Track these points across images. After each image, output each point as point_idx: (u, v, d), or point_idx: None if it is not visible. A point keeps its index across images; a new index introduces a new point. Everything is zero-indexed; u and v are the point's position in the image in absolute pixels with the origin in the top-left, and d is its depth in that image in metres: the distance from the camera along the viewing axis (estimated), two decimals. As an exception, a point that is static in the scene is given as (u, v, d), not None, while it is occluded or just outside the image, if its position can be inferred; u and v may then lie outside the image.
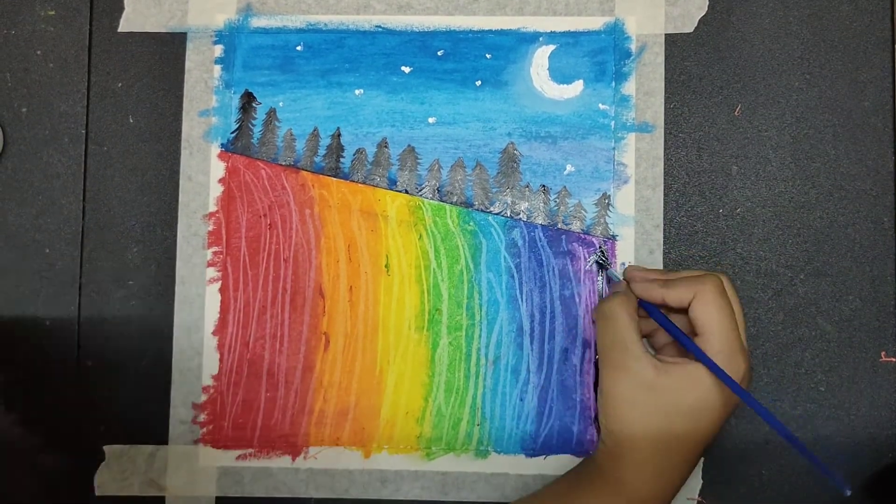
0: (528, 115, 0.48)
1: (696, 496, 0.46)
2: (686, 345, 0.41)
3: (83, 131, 0.49)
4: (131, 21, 0.50)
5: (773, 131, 0.48)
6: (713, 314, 0.40)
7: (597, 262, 0.47)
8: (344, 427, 0.47)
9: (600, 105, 0.48)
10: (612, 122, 0.48)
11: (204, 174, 0.49)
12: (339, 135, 0.49)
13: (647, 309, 0.43)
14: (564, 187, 0.48)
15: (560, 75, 0.49)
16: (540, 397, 0.47)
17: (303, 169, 0.49)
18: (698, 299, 0.41)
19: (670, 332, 0.42)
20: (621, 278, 0.46)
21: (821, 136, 0.48)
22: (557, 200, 0.48)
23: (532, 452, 0.47)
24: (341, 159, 0.49)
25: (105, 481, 0.47)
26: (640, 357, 0.40)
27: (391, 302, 0.48)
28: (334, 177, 0.49)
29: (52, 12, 0.50)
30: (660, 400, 0.40)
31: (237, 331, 0.48)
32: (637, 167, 0.48)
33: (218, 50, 0.49)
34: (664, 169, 0.48)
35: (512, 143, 0.48)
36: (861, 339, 0.47)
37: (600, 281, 0.47)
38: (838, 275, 0.47)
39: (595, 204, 0.48)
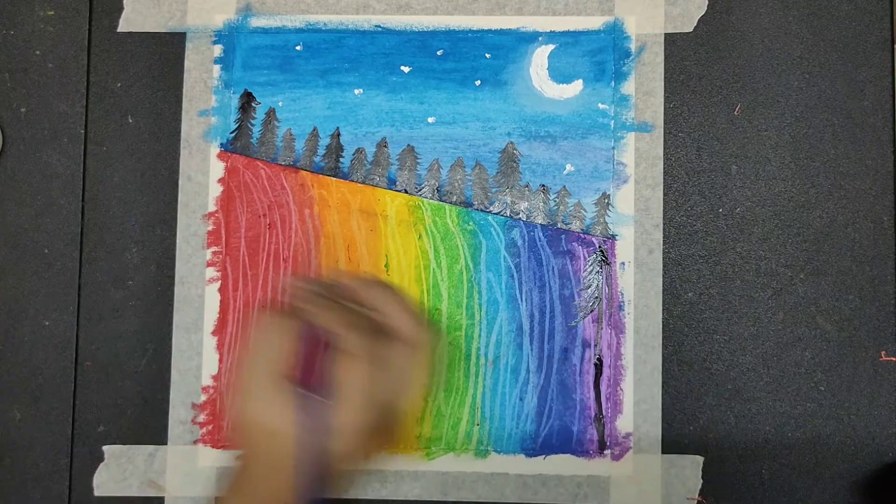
0: (527, 115, 0.48)
1: (696, 496, 0.46)
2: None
3: (82, 131, 0.49)
4: (130, 21, 0.50)
5: (772, 131, 0.48)
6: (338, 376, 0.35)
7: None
8: (343, 427, 0.47)
9: (600, 105, 0.48)
10: (612, 122, 0.48)
11: (203, 174, 0.49)
12: (339, 134, 0.49)
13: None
14: (564, 187, 0.48)
15: (559, 75, 0.49)
16: (540, 397, 0.47)
17: (302, 169, 0.49)
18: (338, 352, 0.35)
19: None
20: None
21: (820, 135, 0.48)
22: (557, 200, 0.48)
23: (532, 452, 0.47)
24: (341, 159, 0.49)
25: (105, 481, 0.47)
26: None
27: (391, 302, 0.48)
28: (334, 177, 0.49)
29: (52, 12, 0.50)
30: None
31: (237, 331, 0.48)
32: (637, 167, 0.48)
33: (217, 50, 0.49)
34: (664, 168, 0.48)
35: (511, 142, 0.48)
36: (861, 339, 0.47)
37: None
38: (838, 274, 0.47)
39: (595, 203, 0.48)
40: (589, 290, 0.48)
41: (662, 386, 0.47)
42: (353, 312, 0.36)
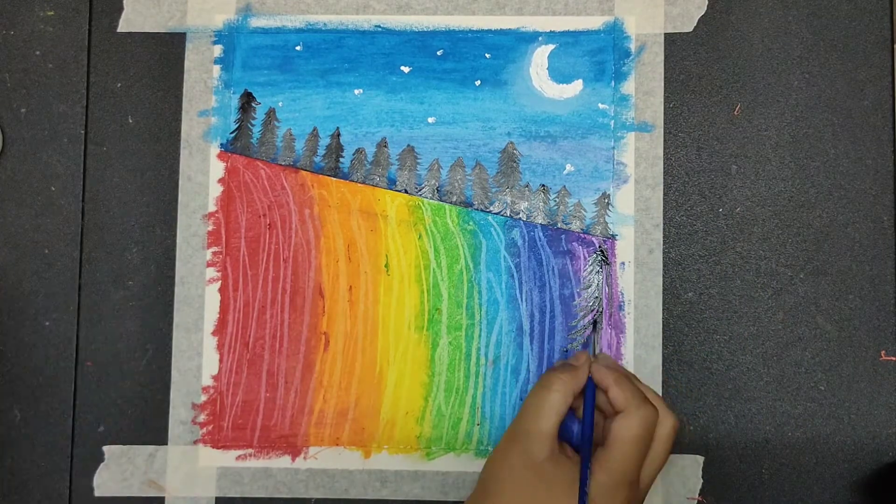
0: (527, 115, 0.48)
1: (697, 496, 0.46)
2: (584, 439, 0.41)
3: (82, 131, 0.49)
4: (130, 21, 0.50)
5: (772, 131, 0.48)
6: (621, 437, 0.39)
7: (594, 320, 0.47)
8: (344, 427, 0.47)
9: (600, 104, 0.48)
10: (612, 122, 0.48)
11: (203, 174, 0.49)
12: (339, 135, 0.49)
13: (588, 388, 0.42)
14: (564, 187, 0.48)
15: (559, 75, 0.49)
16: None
17: (302, 169, 0.49)
18: (623, 415, 0.40)
19: (584, 419, 0.42)
20: (595, 350, 0.46)
21: (820, 135, 0.48)
22: (557, 200, 0.48)
23: (532, 452, 0.47)
24: (341, 159, 0.49)
25: (105, 481, 0.47)
26: (543, 434, 0.40)
27: (391, 302, 0.48)
28: (334, 177, 0.49)
29: (52, 13, 0.50)
30: (538, 484, 0.39)
31: (237, 331, 0.48)
32: (637, 166, 0.48)
33: (217, 50, 0.49)
34: (664, 168, 0.48)
35: (511, 142, 0.48)
36: (861, 339, 0.47)
37: (592, 338, 0.47)
38: (838, 274, 0.47)
39: (595, 203, 0.48)
40: (589, 290, 0.48)
41: (662, 386, 0.47)
42: (633, 384, 0.42)
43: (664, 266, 0.47)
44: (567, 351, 0.47)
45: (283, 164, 0.49)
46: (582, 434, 0.41)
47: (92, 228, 0.49)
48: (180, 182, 0.49)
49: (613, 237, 0.48)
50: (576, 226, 0.48)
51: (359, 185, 0.48)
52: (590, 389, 0.42)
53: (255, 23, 0.49)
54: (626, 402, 0.40)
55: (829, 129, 0.48)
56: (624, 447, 0.39)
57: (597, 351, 0.46)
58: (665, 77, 0.48)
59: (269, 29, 0.49)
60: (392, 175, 0.48)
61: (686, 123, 0.48)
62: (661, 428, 0.41)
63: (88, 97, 0.49)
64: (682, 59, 0.49)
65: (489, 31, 0.49)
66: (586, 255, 0.48)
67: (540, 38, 0.49)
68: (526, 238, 0.48)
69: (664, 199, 0.48)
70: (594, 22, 0.49)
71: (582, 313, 0.47)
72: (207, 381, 0.48)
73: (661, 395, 0.47)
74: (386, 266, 0.48)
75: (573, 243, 0.48)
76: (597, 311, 0.47)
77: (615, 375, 0.42)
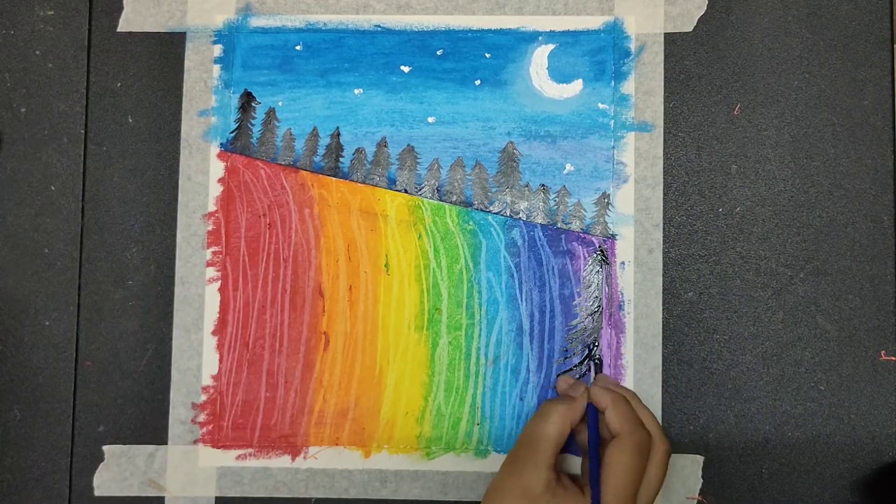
0: (527, 115, 0.48)
1: (696, 495, 0.46)
2: (591, 468, 0.41)
3: (82, 131, 0.49)
4: (130, 21, 0.50)
5: (772, 130, 0.48)
6: (614, 464, 0.40)
7: (592, 360, 0.47)
8: (344, 427, 0.47)
9: (600, 104, 0.48)
10: (612, 122, 0.48)
11: (203, 174, 0.49)
12: (339, 134, 0.49)
13: (589, 415, 0.42)
14: (564, 186, 0.48)
15: (559, 74, 0.49)
16: (540, 397, 0.47)
17: (302, 168, 0.49)
18: (616, 440, 0.40)
19: (589, 444, 0.42)
20: (591, 381, 0.46)
21: (820, 135, 0.48)
22: (557, 200, 0.48)
23: (532, 452, 0.47)
24: (340, 159, 0.49)
25: (105, 481, 0.47)
26: (540, 466, 0.40)
27: (391, 301, 0.48)
28: (333, 176, 0.49)
29: (52, 12, 0.50)
30: None
31: (237, 331, 0.48)
32: (636, 166, 0.48)
33: (217, 50, 0.49)
34: (663, 168, 0.48)
35: (511, 142, 0.48)
36: (861, 338, 0.47)
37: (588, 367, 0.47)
38: (838, 274, 0.47)
39: (594, 203, 0.48)
40: (589, 290, 0.48)
41: (662, 386, 0.47)
42: (628, 407, 0.42)
43: (664, 266, 0.47)
44: (567, 350, 0.47)
45: (283, 163, 0.49)
46: (590, 469, 0.41)
47: (92, 228, 0.49)
48: (180, 182, 0.49)
49: (613, 237, 0.48)
50: (576, 226, 0.48)
51: (359, 184, 0.48)
52: (591, 417, 0.42)
53: (255, 22, 0.49)
54: (619, 426, 0.41)
55: (829, 129, 0.48)
56: (617, 474, 0.39)
57: (593, 378, 0.47)
58: (665, 77, 0.48)
59: (269, 29, 0.49)
60: (392, 175, 0.48)
61: (686, 123, 0.48)
62: (655, 453, 0.41)
63: (88, 97, 0.49)
64: (682, 58, 0.49)
65: (489, 30, 0.49)
66: (586, 255, 0.48)
67: (540, 38, 0.49)
68: (526, 238, 0.48)
69: (664, 198, 0.48)
70: (594, 22, 0.49)
71: (582, 313, 0.47)
72: (207, 380, 0.48)
73: (660, 393, 0.47)
74: (386, 266, 0.48)
75: (573, 243, 0.48)
76: (592, 340, 0.47)
77: (612, 396, 0.42)
